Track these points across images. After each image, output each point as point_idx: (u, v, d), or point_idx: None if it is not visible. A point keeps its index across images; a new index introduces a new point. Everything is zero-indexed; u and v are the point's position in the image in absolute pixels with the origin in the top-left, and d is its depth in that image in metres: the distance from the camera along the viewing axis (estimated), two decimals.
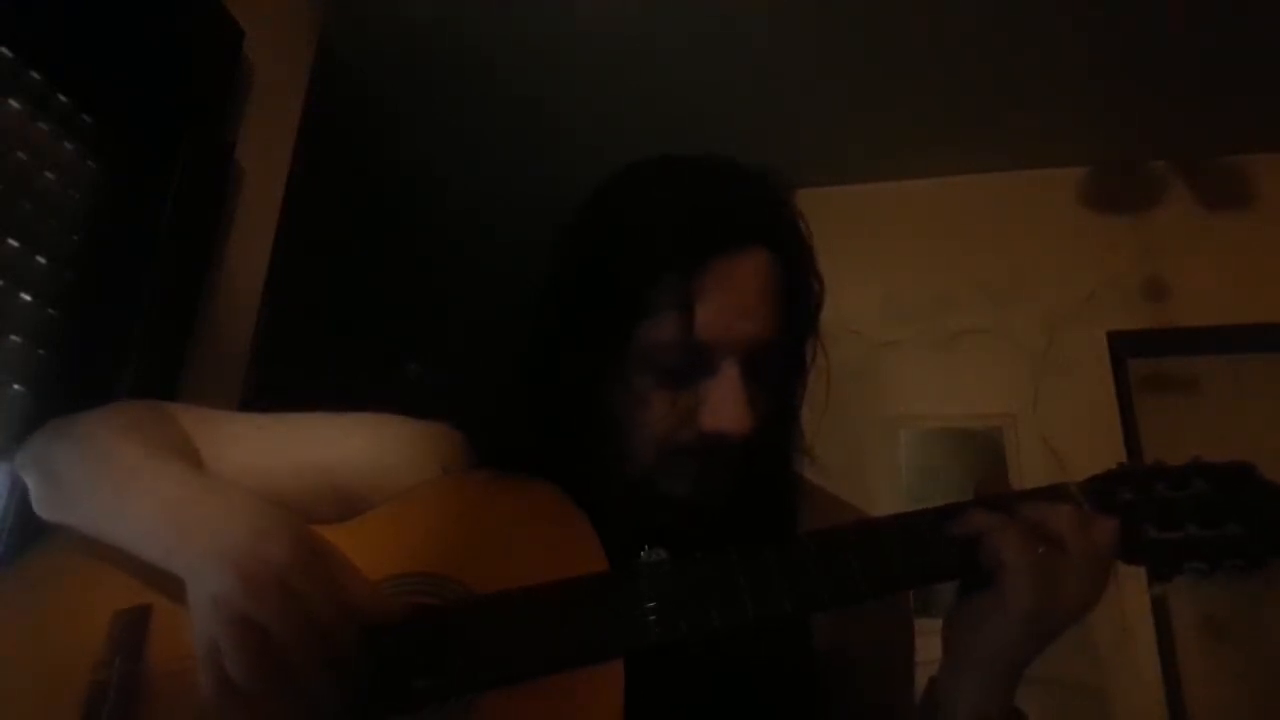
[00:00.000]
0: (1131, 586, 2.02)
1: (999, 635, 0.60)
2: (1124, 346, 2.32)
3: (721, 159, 0.73)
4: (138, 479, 0.66)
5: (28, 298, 1.27)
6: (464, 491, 0.72)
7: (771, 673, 0.70)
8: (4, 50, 1.24)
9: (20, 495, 1.19)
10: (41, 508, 0.72)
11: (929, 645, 0.73)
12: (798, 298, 0.71)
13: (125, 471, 0.67)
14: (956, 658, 0.62)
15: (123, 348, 1.36)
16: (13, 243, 1.25)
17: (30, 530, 1.10)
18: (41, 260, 1.30)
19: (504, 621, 0.62)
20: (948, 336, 2.38)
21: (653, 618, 0.61)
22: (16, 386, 1.24)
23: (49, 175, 1.31)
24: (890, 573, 0.62)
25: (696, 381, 0.66)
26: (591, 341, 0.68)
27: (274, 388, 1.62)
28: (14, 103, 1.26)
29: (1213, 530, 0.62)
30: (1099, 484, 0.64)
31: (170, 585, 0.63)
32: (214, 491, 0.65)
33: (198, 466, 0.71)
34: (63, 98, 1.33)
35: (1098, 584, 0.59)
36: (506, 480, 0.70)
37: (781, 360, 0.70)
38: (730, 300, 0.66)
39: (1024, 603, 0.58)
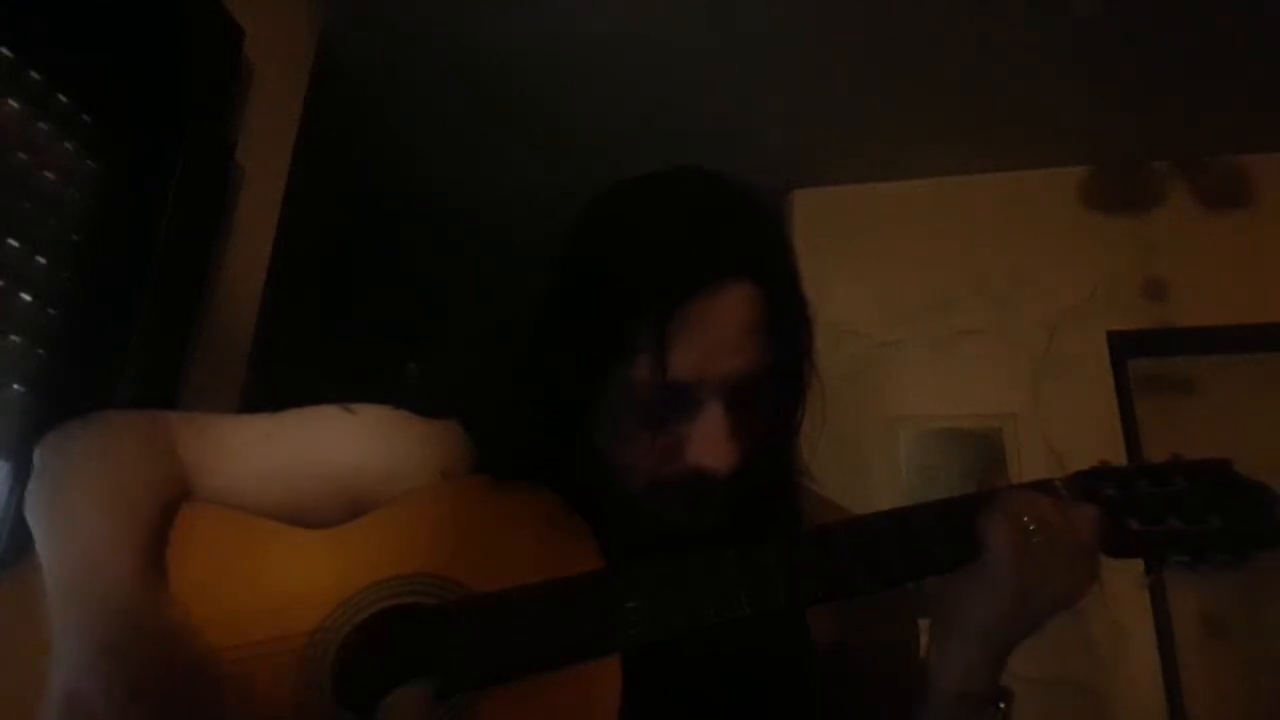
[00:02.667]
0: (1128, 586, 2.02)
1: (981, 609, 0.62)
2: (1124, 346, 2.31)
3: (707, 180, 0.71)
4: (56, 542, 0.67)
5: (28, 298, 1.27)
6: (462, 494, 0.72)
7: (768, 668, 0.70)
8: (4, 50, 1.24)
9: (21, 494, 1.19)
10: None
11: None
12: (786, 324, 0.68)
13: (54, 529, 0.68)
14: (942, 628, 0.64)
15: (123, 348, 1.36)
16: (13, 243, 1.25)
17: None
18: (41, 260, 1.30)
19: (501, 620, 0.63)
20: (947, 336, 2.37)
21: (648, 614, 0.61)
22: (16, 386, 1.24)
23: (49, 175, 1.31)
24: (883, 565, 0.63)
25: (680, 418, 0.65)
26: (575, 377, 0.67)
27: (274, 388, 1.62)
28: (14, 103, 1.26)
29: (1194, 525, 0.64)
30: (1082, 479, 0.67)
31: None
32: (84, 594, 0.63)
33: (157, 509, 0.69)
34: (63, 98, 1.33)
35: (1083, 574, 0.62)
36: (504, 484, 0.71)
37: (774, 387, 0.68)
38: (709, 340, 0.63)
39: (1006, 579, 0.61)
